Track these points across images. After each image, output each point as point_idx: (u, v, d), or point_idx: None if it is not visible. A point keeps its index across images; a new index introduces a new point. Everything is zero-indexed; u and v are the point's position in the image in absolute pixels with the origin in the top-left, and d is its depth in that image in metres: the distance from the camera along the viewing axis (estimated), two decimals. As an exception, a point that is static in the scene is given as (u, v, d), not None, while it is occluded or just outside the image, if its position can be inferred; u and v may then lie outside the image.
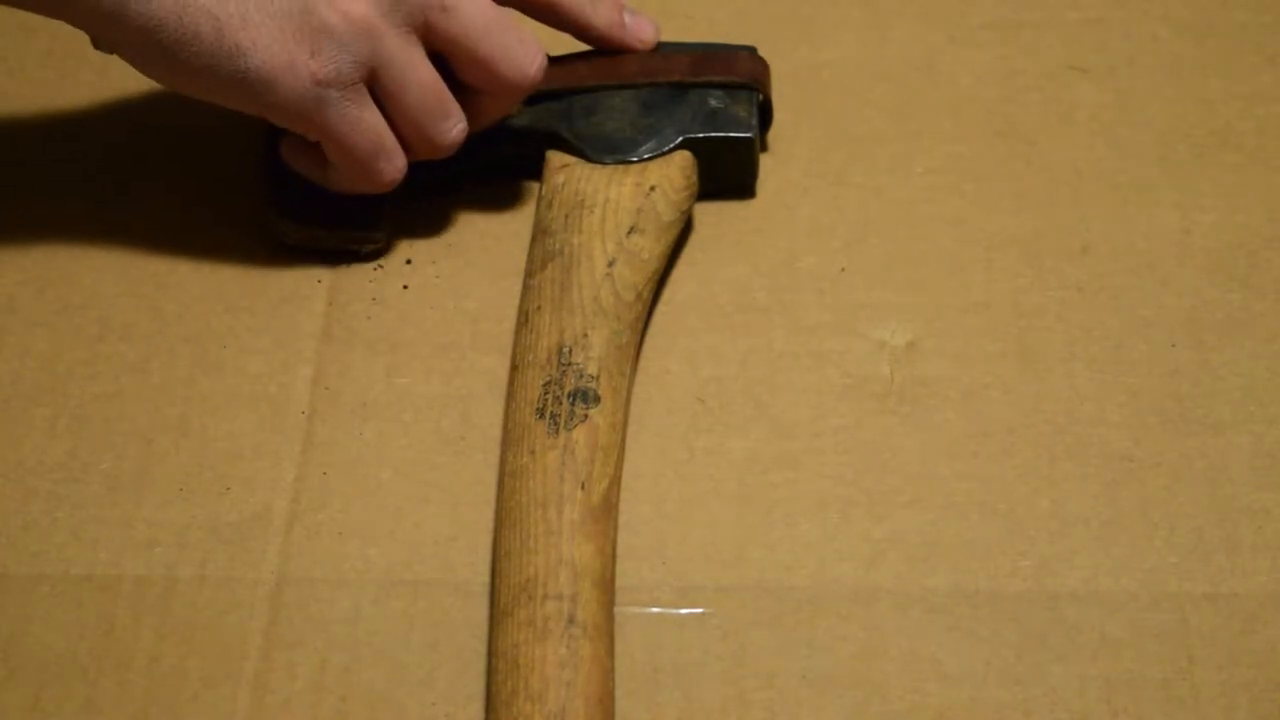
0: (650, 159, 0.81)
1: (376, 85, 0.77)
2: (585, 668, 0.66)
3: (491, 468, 0.75)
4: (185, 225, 0.84)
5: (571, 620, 0.67)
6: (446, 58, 0.78)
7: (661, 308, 0.80)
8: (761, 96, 0.84)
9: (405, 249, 0.82)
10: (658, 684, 0.70)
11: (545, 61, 0.79)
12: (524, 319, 0.76)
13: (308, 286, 0.81)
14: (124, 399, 0.78)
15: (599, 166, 0.81)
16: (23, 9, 0.76)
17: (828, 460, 0.75)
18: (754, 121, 0.83)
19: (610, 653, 0.68)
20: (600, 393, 0.73)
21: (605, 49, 0.83)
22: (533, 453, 0.72)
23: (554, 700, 0.65)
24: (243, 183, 0.84)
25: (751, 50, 0.85)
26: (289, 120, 0.77)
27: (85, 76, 0.88)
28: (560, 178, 0.80)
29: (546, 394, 0.73)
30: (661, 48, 0.84)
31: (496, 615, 0.69)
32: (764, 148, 0.85)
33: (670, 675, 0.70)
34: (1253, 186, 0.83)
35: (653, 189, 0.79)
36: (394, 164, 0.79)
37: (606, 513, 0.71)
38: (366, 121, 0.77)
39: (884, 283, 0.81)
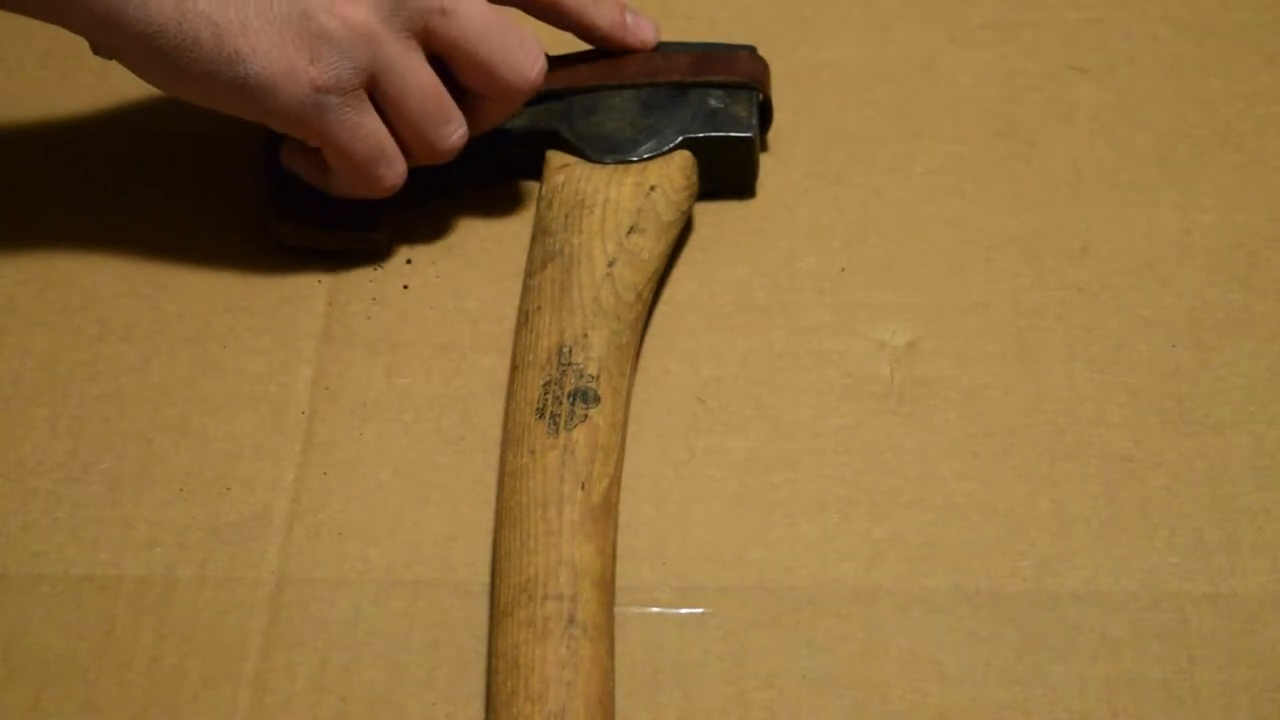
0: (650, 159, 0.81)
1: (376, 91, 0.77)
2: (585, 668, 0.66)
3: (491, 468, 0.75)
4: (185, 226, 0.84)
5: (571, 620, 0.67)
6: (447, 61, 0.78)
7: (661, 308, 0.80)
8: (761, 96, 0.84)
9: (405, 249, 0.82)
10: (658, 684, 0.70)
11: (545, 65, 0.79)
12: (524, 319, 0.76)
13: (308, 286, 0.81)
14: (124, 399, 0.78)
15: (599, 166, 0.81)
16: (21, 14, 0.75)
17: (828, 460, 0.75)
18: (754, 121, 0.83)
19: (610, 653, 0.68)
20: (600, 393, 0.73)
21: (606, 49, 0.83)
22: (533, 453, 0.72)
23: (554, 700, 0.65)
24: (243, 184, 0.84)
25: (751, 50, 0.85)
26: (289, 126, 0.77)
27: (85, 78, 0.88)
28: (560, 178, 0.80)
29: (546, 394, 0.73)
30: (661, 48, 0.84)
31: (496, 615, 0.69)
32: (764, 148, 0.85)
33: (670, 675, 0.70)
34: (1253, 186, 0.83)
35: (653, 189, 0.79)
36: (394, 169, 0.78)
37: (606, 513, 0.71)
38: (366, 127, 0.77)
39: (884, 283, 0.81)
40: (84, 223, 0.84)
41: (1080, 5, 0.90)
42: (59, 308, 0.81)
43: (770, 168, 0.85)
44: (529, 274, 0.78)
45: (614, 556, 0.71)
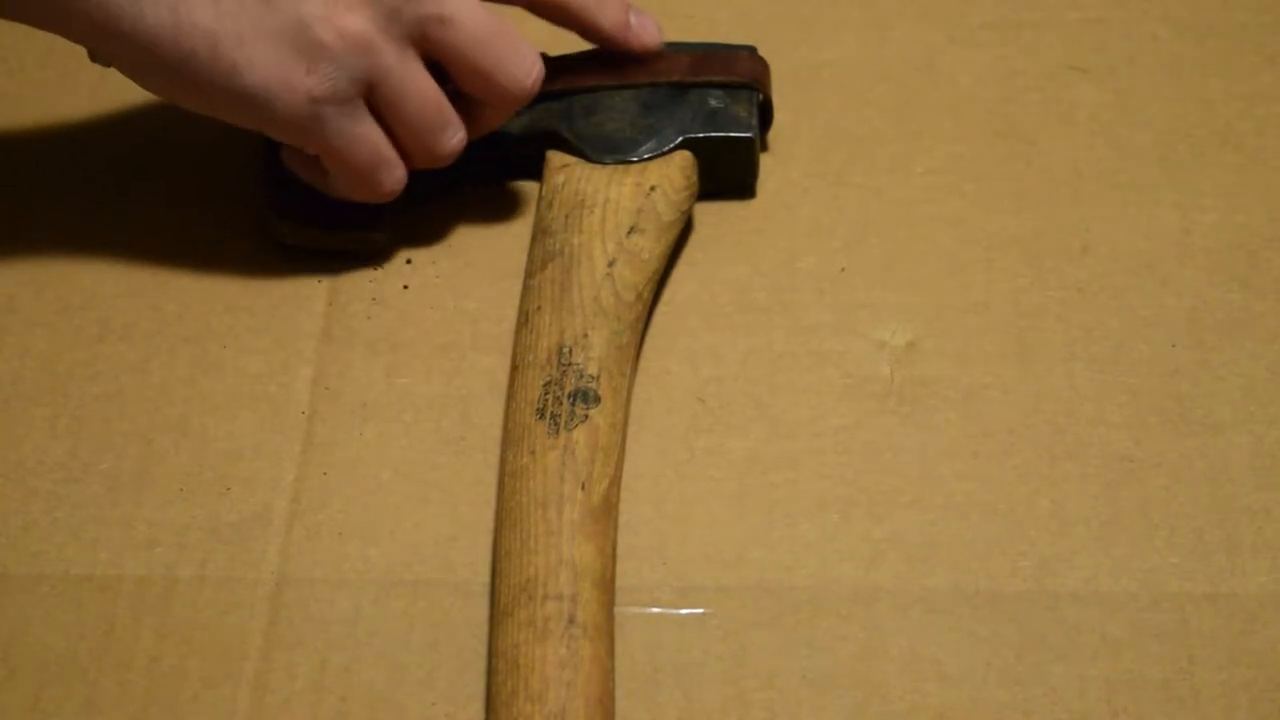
0: (650, 159, 0.81)
1: (374, 98, 0.77)
2: (585, 668, 0.66)
3: (491, 468, 0.75)
4: (186, 226, 0.84)
5: (571, 620, 0.67)
6: (444, 67, 0.78)
7: (661, 308, 0.80)
8: (761, 96, 0.84)
9: (405, 249, 0.82)
10: (658, 684, 0.70)
11: (542, 72, 0.78)
12: (524, 319, 0.76)
13: (308, 286, 0.81)
14: (124, 399, 0.78)
15: (599, 166, 0.81)
16: (18, 22, 0.75)
17: (828, 460, 0.75)
18: (754, 121, 0.83)
19: (610, 653, 0.68)
20: (600, 393, 0.73)
21: (609, 50, 0.83)
22: (533, 453, 0.72)
23: (554, 700, 0.65)
24: (243, 184, 0.84)
25: (751, 50, 0.85)
26: (287, 136, 0.77)
27: (86, 78, 0.88)
28: (560, 178, 0.80)
29: (547, 394, 0.73)
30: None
31: (496, 615, 0.69)
32: (764, 148, 0.85)
33: (670, 675, 0.70)
34: (1253, 186, 0.83)
35: (653, 189, 0.79)
36: (394, 175, 0.79)
37: (606, 513, 0.71)
38: (364, 135, 0.77)
39: (884, 283, 0.81)
40: (84, 223, 0.84)
41: (1080, 5, 0.90)
42: (59, 308, 0.81)
43: (770, 168, 0.85)
44: (529, 274, 0.78)
45: (614, 556, 0.71)
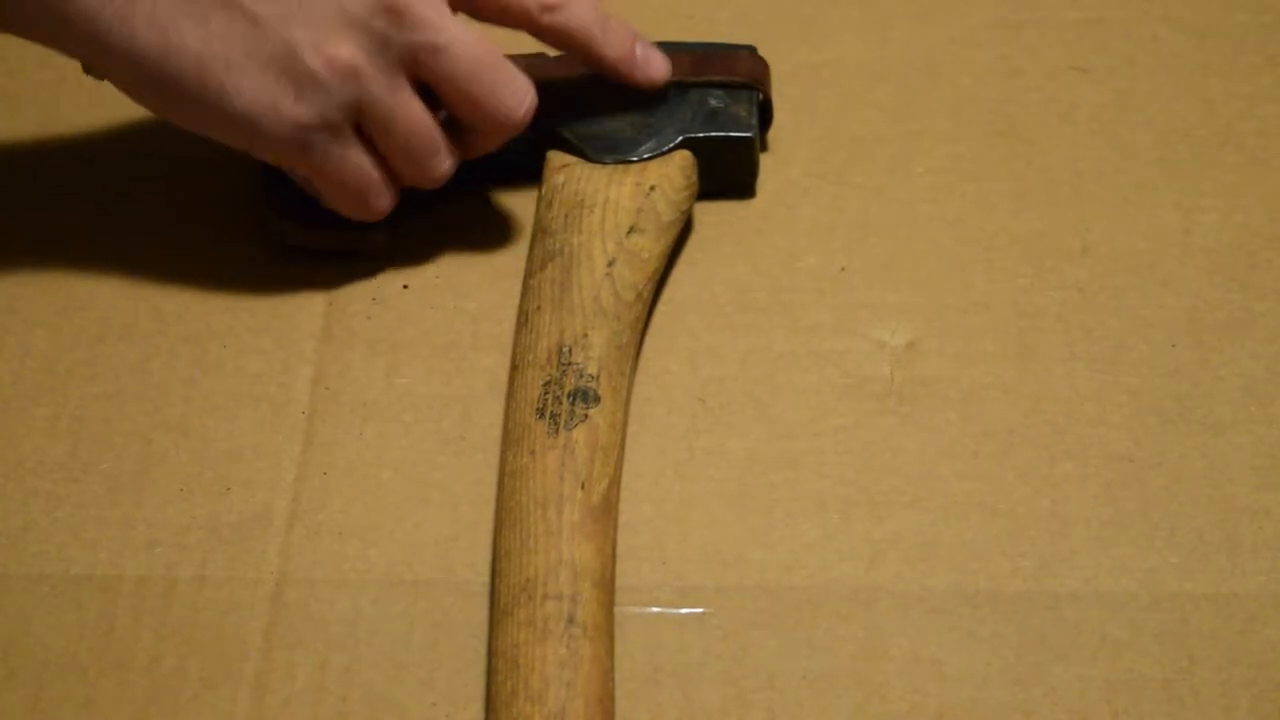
0: (650, 159, 0.81)
1: (364, 124, 0.76)
2: (585, 668, 0.66)
3: (491, 468, 0.75)
4: (186, 226, 0.84)
5: (571, 620, 0.67)
6: (436, 93, 0.77)
7: (661, 308, 0.80)
8: (761, 96, 0.84)
9: (405, 249, 0.82)
10: (658, 684, 0.70)
11: (535, 102, 0.78)
12: (524, 319, 0.76)
13: (308, 286, 0.81)
14: (124, 399, 0.78)
15: (599, 166, 0.81)
16: (11, 34, 0.75)
17: (828, 460, 0.75)
18: (754, 121, 0.83)
19: (610, 653, 0.68)
20: (600, 393, 0.73)
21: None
22: (533, 453, 0.72)
23: (554, 700, 0.65)
24: (244, 184, 0.84)
25: (751, 50, 0.85)
26: (275, 160, 0.77)
27: (87, 79, 0.88)
28: (560, 178, 0.80)
29: (546, 394, 0.73)
30: (662, 48, 0.84)
31: (496, 615, 0.69)
32: (764, 148, 0.85)
33: (670, 675, 0.70)
34: (1253, 186, 0.83)
35: (653, 189, 0.79)
36: (383, 197, 0.78)
37: (606, 513, 0.71)
38: (352, 161, 0.77)
39: (884, 283, 0.81)
40: (85, 224, 0.84)
41: (1080, 5, 0.90)
42: (59, 308, 0.81)
43: (770, 168, 0.85)
44: (529, 274, 0.78)
45: (614, 556, 0.71)
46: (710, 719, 0.69)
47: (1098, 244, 0.81)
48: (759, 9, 0.91)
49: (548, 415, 0.72)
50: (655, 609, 0.72)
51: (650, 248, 0.78)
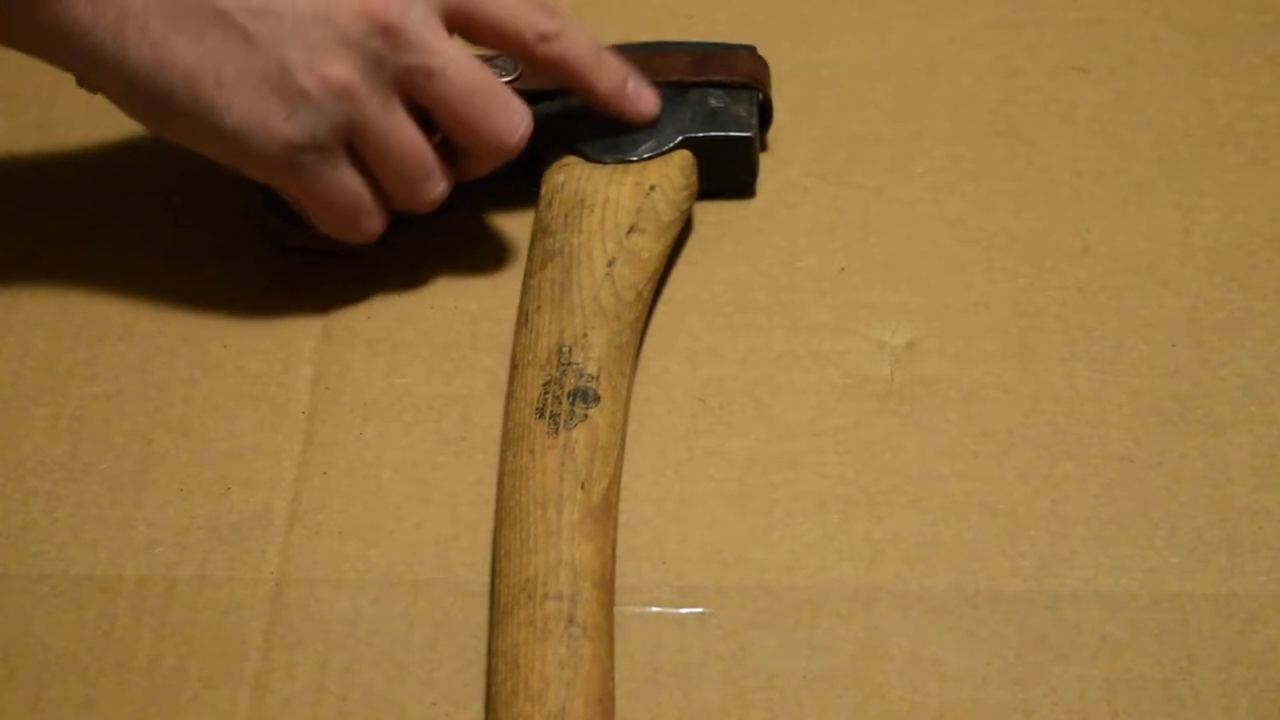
0: (650, 158, 0.81)
1: (356, 145, 0.76)
2: (585, 668, 0.66)
3: (491, 468, 0.75)
4: (186, 225, 0.84)
5: (571, 620, 0.67)
6: (430, 115, 0.77)
7: (661, 308, 0.80)
8: (761, 96, 0.84)
9: (405, 249, 0.82)
10: (658, 684, 0.70)
11: (529, 130, 0.77)
12: (524, 319, 0.76)
13: (308, 287, 0.81)
14: (124, 399, 0.78)
15: (599, 166, 0.81)
16: (4, 46, 0.75)
17: (828, 460, 0.75)
18: (754, 121, 0.83)
19: (610, 653, 0.68)
20: (600, 392, 0.73)
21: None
22: (533, 453, 0.72)
23: (554, 700, 0.65)
24: (243, 184, 0.84)
25: (751, 50, 0.85)
26: (265, 178, 0.77)
27: (85, 76, 0.88)
28: (560, 177, 0.80)
29: (546, 394, 0.73)
30: (661, 47, 0.84)
31: (496, 615, 0.69)
32: (764, 148, 0.85)
33: (670, 675, 0.70)
34: (1253, 186, 0.83)
35: (653, 188, 0.79)
36: (374, 220, 0.78)
37: (606, 513, 0.71)
38: (342, 183, 0.76)
39: (884, 283, 0.81)
40: (84, 223, 0.84)
41: (1080, 5, 0.90)
42: (59, 308, 0.81)
43: (770, 168, 0.85)
44: (529, 274, 0.78)
45: (614, 556, 0.71)
46: (710, 719, 0.69)
47: (1098, 244, 0.81)
48: (759, 9, 0.91)
49: (548, 415, 0.72)
50: (655, 609, 0.72)
51: (650, 247, 0.78)
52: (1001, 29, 0.90)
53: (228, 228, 0.83)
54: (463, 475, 0.75)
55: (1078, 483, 0.74)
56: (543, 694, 0.65)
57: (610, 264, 0.77)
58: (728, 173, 0.83)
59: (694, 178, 0.81)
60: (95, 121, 0.87)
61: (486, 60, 0.79)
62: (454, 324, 0.80)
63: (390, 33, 0.74)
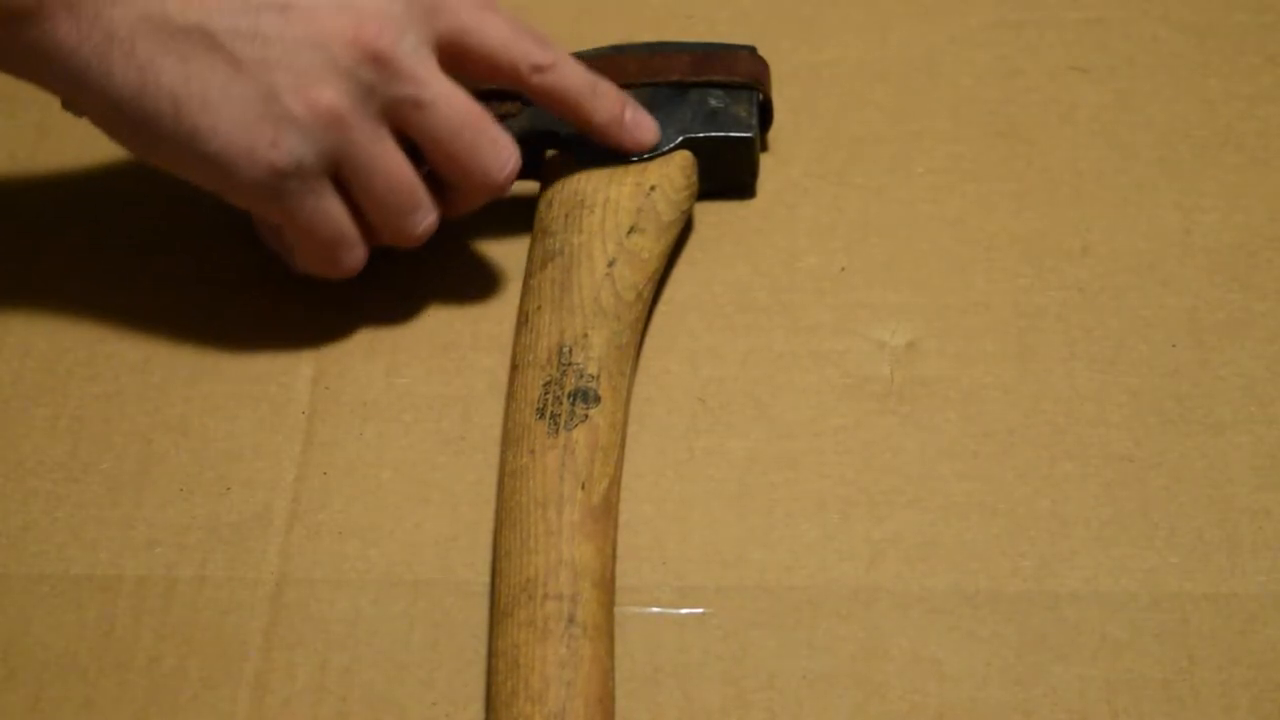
0: (650, 159, 0.81)
1: (343, 174, 0.75)
2: (585, 668, 0.66)
3: (491, 468, 0.75)
4: (186, 224, 0.84)
5: (571, 620, 0.67)
6: (418, 148, 0.76)
7: (661, 308, 0.80)
8: (761, 96, 0.84)
9: (405, 249, 0.82)
10: (658, 684, 0.70)
11: (517, 165, 0.77)
12: (524, 319, 0.76)
13: (308, 286, 0.81)
14: (124, 399, 0.78)
15: (599, 166, 0.80)
16: None
17: (828, 460, 0.75)
18: (754, 121, 0.83)
19: (610, 653, 0.68)
20: (600, 393, 0.73)
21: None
22: (533, 453, 0.72)
23: (554, 700, 0.65)
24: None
25: (751, 50, 0.85)
26: (248, 205, 0.76)
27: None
28: (560, 177, 0.80)
29: (546, 394, 0.73)
30: (661, 48, 0.84)
31: (496, 615, 0.69)
32: (764, 148, 0.85)
33: (670, 675, 0.70)
34: (1253, 186, 0.83)
35: (653, 189, 0.79)
36: (354, 254, 0.77)
37: (606, 513, 0.71)
38: (325, 212, 0.75)
39: (884, 283, 0.81)
40: (84, 223, 0.84)
41: (1080, 5, 0.90)
42: (59, 308, 0.81)
43: (770, 168, 0.85)
44: (529, 274, 0.78)
45: (614, 556, 0.71)
46: (710, 719, 0.69)
47: (1098, 244, 0.81)
48: (759, 9, 0.91)
49: (548, 415, 0.72)
50: (655, 609, 0.72)
51: (650, 248, 0.78)
52: (1001, 29, 0.90)
53: (228, 227, 0.83)
54: (463, 475, 0.75)
55: (1078, 483, 0.74)
56: (543, 694, 0.65)
57: (610, 264, 0.77)
58: (728, 173, 0.83)
59: (694, 178, 0.81)
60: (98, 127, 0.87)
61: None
62: (454, 324, 0.80)
63: (381, 62, 0.73)
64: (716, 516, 0.74)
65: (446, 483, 0.75)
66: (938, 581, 0.72)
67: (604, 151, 0.81)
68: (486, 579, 0.72)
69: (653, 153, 0.81)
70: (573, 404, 0.73)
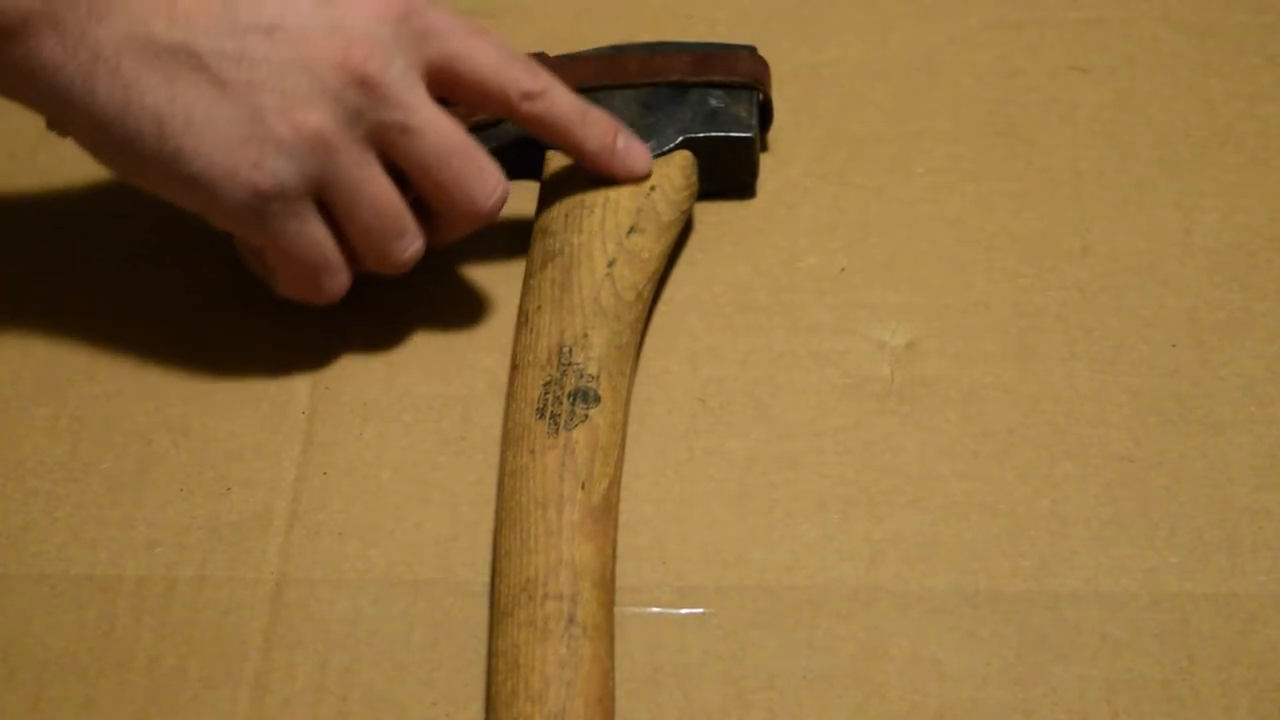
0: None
1: (327, 198, 0.74)
2: (585, 668, 0.66)
3: (491, 468, 0.75)
4: (185, 224, 0.84)
5: (571, 620, 0.67)
6: (405, 174, 0.75)
7: (661, 308, 0.80)
8: (761, 96, 0.84)
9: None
10: (658, 684, 0.70)
11: (505, 194, 0.76)
12: (524, 319, 0.76)
13: (308, 286, 0.81)
14: (124, 399, 0.78)
15: (599, 166, 0.81)
16: None
17: (828, 460, 0.75)
18: (754, 121, 0.83)
19: (610, 653, 0.68)
20: (600, 393, 0.73)
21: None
22: (533, 453, 0.72)
23: (554, 700, 0.65)
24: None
25: (751, 50, 0.85)
26: (230, 227, 0.75)
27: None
28: (560, 177, 0.80)
29: (547, 394, 0.73)
30: (661, 48, 0.84)
31: (496, 615, 0.69)
32: (764, 148, 0.85)
33: (670, 675, 0.70)
34: (1253, 186, 0.83)
35: (653, 189, 0.79)
36: (336, 280, 0.76)
37: (606, 513, 0.71)
38: (309, 236, 0.74)
39: (884, 283, 0.81)
40: (84, 223, 0.84)
41: (1080, 5, 0.90)
42: (59, 308, 0.81)
43: (770, 168, 0.85)
44: (529, 274, 0.78)
45: (614, 556, 0.71)
46: (710, 719, 0.69)
47: (1098, 244, 0.81)
48: (759, 9, 0.91)
49: (548, 415, 0.72)
50: (655, 609, 0.72)
51: (650, 248, 0.78)
52: (1001, 29, 0.90)
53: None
54: (463, 475, 0.75)
55: (1078, 483, 0.74)
56: (543, 694, 0.65)
57: (610, 264, 0.77)
58: (728, 173, 0.83)
59: (694, 178, 0.81)
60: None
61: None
62: (454, 324, 0.80)
63: (369, 86, 0.72)
64: (716, 516, 0.74)
65: (446, 483, 0.75)
66: (938, 581, 0.72)
67: (604, 151, 0.81)
68: (486, 579, 0.72)
69: (653, 153, 0.81)
70: (573, 404, 0.73)
